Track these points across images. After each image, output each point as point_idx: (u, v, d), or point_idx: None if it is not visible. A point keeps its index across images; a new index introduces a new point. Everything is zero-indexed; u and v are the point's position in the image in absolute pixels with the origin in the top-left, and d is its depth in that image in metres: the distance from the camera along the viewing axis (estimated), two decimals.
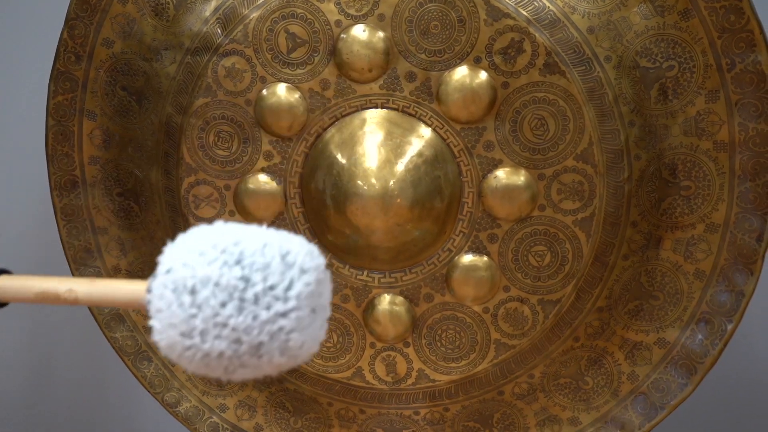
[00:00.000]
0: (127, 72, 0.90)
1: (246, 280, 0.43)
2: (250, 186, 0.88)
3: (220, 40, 0.84)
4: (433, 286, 0.88)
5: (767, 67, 0.76)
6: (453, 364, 0.90)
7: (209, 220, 0.90)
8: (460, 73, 0.80)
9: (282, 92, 0.84)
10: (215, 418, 1.01)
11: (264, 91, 0.84)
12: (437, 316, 0.89)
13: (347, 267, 0.89)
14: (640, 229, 0.84)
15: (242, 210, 0.89)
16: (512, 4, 0.78)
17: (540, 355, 0.89)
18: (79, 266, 0.96)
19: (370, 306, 0.89)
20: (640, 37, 0.79)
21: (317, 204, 0.87)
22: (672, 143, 0.82)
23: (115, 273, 0.97)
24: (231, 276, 0.43)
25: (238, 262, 0.43)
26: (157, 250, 0.93)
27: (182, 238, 0.46)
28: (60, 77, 0.90)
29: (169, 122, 0.88)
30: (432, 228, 0.86)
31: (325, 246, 0.88)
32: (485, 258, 0.86)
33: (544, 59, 0.78)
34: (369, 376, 0.92)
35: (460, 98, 0.81)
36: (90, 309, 0.97)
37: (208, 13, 0.85)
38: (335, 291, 0.89)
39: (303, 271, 0.44)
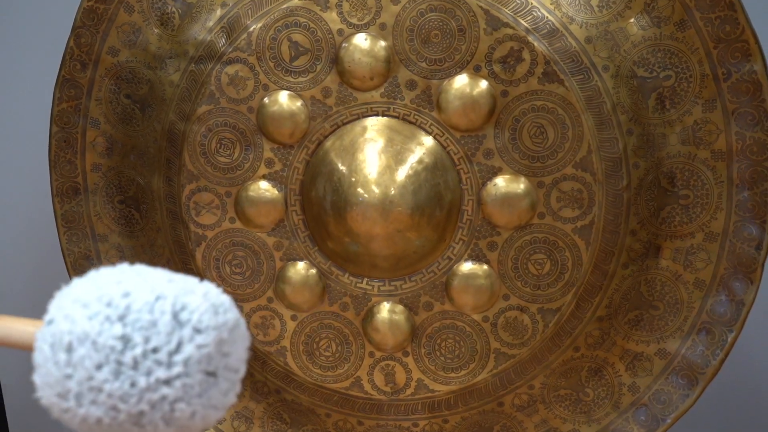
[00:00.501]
0: (132, 80, 0.91)
1: (126, 340, 0.38)
2: (251, 193, 0.88)
3: (223, 48, 0.85)
4: (433, 294, 0.88)
5: (763, 76, 0.77)
6: (452, 374, 0.89)
7: (210, 227, 0.90)
8: (460, 81, 0.82)
9: (284, 100, 0.85)
10: (212, 430, 0.99)
11: (266, 99, 0.85)
12: (437, 325, 0.88)
13: (347, 275, 0.89)
14: (639, 238, 0.84)
15: (243, 217, 0.89)
16: (511, 14, 0.79)
17: (540, 365, 0.89)
18: (78, 273, 0.95)
19: (369, 314, 0.89)
20: (637, 47, 0.80)
21: (317, 211, 0.87)
22: (670, 152, 0.82)
23: None
24: (110, 335, 0.38)
25: (121, 318, 0.39)
26: (158, 258, 0.93)
27: (73, 285, 0.42)
28: (65, 84, 0.91)
29: (171, 129, 0.89)
30: (432, 235, 0.86)
31: (326, 253, 0.88)
32: (485, 266, 0.86)
33: (543, 68, 0.80)
34: (367, 386, 0.91)
35: (460, 106, 0.82)
36: None
37: (212, 23, 0.86)
38: (335, 299, 0.89)
39: (197, 331, 0.39)
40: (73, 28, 0.89)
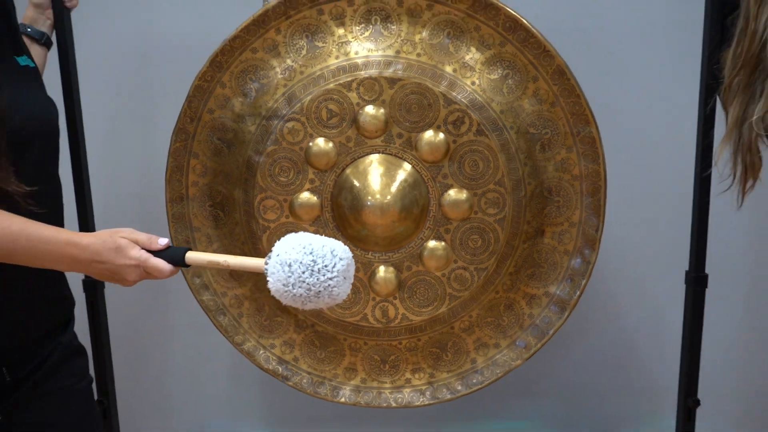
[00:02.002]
0: (222, 129, 1.44)
1: (314, 262, 0.89)
2: (299, 200, 1.43)
3: (285, 111, 1.40)
4: (411, 260, 1.44)
5: (596, 134, 1.37)
6: (423, 309, 1.46)
7: (272, 221, 1.44)
8: (428, 134, 1.39)
9: (321, 143, 1.40)
10: (267, 353, 1.53)
11: (311, 143, 1.40)
12: (414, 280, 1.45)
13: (358, 249, 1.44)
14: (532, 225, 1.44)
15: (294, 214, 1.43)
16: (459, 96, 1.38)
17: (475, 303, 1.47)
18: None
19: (372, 274, 1.45)
20: (530, 116, 1.40)
21: (341, 211, 1.43)
22: (549, 176, 1.42)
23: None
24: (306, 259, 0.89)
25: (311, 253, 0.89)
26: (236, 242, 1.50)
27: (285, 239, 0.92)
28: (180, 132, 1.43)
29: (249, 161, 1.43)
30: (411, 225, 1.43)
31: (346, 236, 1.44)
32: (443, 243, 1.43)
33: (476, 127, 1.38)
34: (371, 319, 1.47)
35: (429, 148, 1.39)
36: (186, 281, 1.49)
37: (277, 95, 1.41)
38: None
39: (340, 259, 0.90)
40: (187, 97, 1.41)
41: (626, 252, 1.88)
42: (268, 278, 0.92)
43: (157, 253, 0.95)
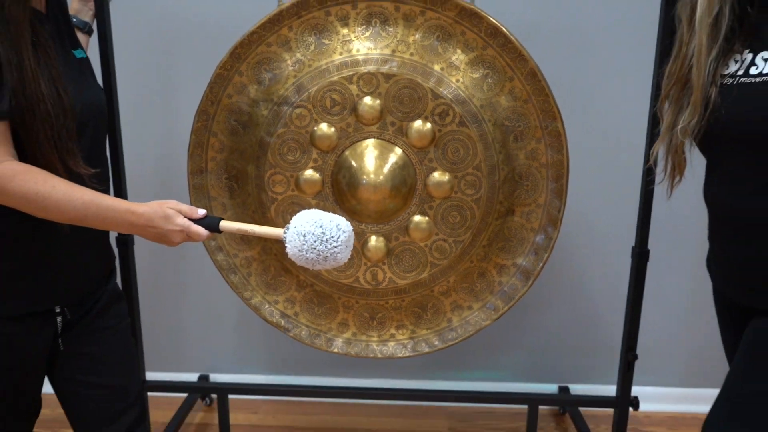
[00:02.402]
0: (238, 112, 1.65)
1: (324, 233, 1.10)
2: (304, 176, 1.65)
3: (294, 99, 1.61)
4: (399, 232, 1.68)
5: (561, 129, 1.60)
6: (408, 274, 1.70)
7: (280, 194, 1.67)
8: (418, 123, 1.60)
9: (325, 128, 1.62)
10: (271, 308, 1.77)
11: (315, 127, 1.62)
12: (401, 248, 1.68)
13: (354, 221, 1.67)
14: (504, 205, 1.67)
15: (299, 188, 1.66)
16: (445, 92, 1.59)
17: (453, 271, 1.71)
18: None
19: (365, 242, 1.68)
20: (505, 110, 1.61)
21: (340, 187, 1.65)
22: (520, 163, 1.65)
23: None
24: (317, 231, 1.11)
25: (321, 226, 1.11)
26: (247, 210, 1.74)
27: (301, 214, 1.13)
28: (201, 113, 1.64)
29: (261, 140, 1.64)
30: (400, 202, 1.66)
31: (343, 209, 1.66)
32: (426, 218, 1.66)
33: (459, 119, 1.59)
34: (362, 281, 1.71)
35: (417, 136, 1.61)
36: (204, 243, 1.72)
37: (288, 84, 1.62)
38: None
39: (344, 232, 1.12)
40: (209, 84, 1.62)
41: (584, 230, 2.14)
42: (286, 245, 1.15)
43: (196, 221, 1.17)
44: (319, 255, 1.12)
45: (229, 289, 1.78)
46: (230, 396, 2.19)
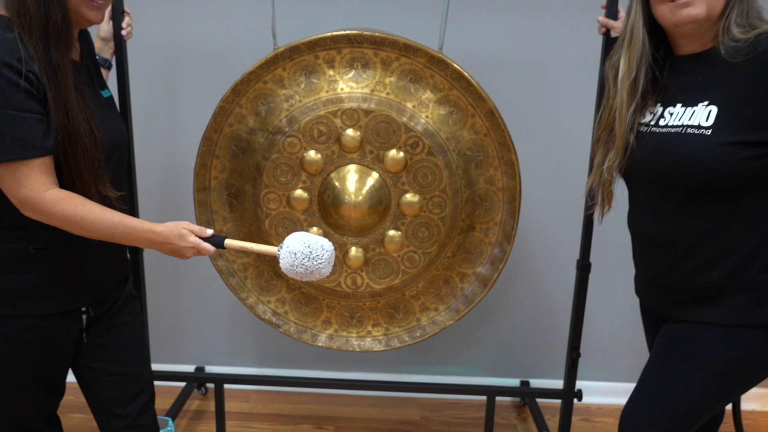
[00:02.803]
0: (238, 138, 1.91)
1: (310, 252, 1.37)
2: (294, 195, 1.91)
3: (287, 129, 1.87)
4: (375, 244, 1.95)
5: (515, 160, 1.87)
6: (383, 280, 1.97)
7: (273, 210, 1.93)
8: (392, 152, 1.87)
9: (312, 155, 1.88)
10: (264, 307, 2.03)
11: (304, 153, 1.88)
12: (377, 258, 1.95)
13: (337, 234, 1.94)
14: (466, 223, 1.94)
15: (289, 205, 1.92)
16: (416, 126, 1.86)
17: (421, 278, 1.98)
18: None
19: (346, 252, 1.95)
20: (468, 142, 1.89)
21: (325, 205, 1.91)
22: (480, 186, 1.92)
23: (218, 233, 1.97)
24: (306, 250, 1.37)
25: (308, 246, 1.37)
26: (245, 223, 2.01)
27: (292, 235, 1.39)
28: (206, 139, 1.90)
29: (258, 163, 1.90)
30: (376, 218, 1.92)
31: (328, 224, 1.93)
32: (399, 232, 1.93)
33: (428, 149, 1.86)
34: (344, 286, 1.98)
35: (392, 163, 1.88)
36: None
37: (282, 116, 1.88)
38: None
39: (326, 251, 1.38)
40: (213, 114, 1.88)
41: (535, 246, 2.43)
42: (279, 260, 1.41)
43: (205, 239, 1.43)
44: (307, 269, 1.38)
45: (223, 290, 2.05)
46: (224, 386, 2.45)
